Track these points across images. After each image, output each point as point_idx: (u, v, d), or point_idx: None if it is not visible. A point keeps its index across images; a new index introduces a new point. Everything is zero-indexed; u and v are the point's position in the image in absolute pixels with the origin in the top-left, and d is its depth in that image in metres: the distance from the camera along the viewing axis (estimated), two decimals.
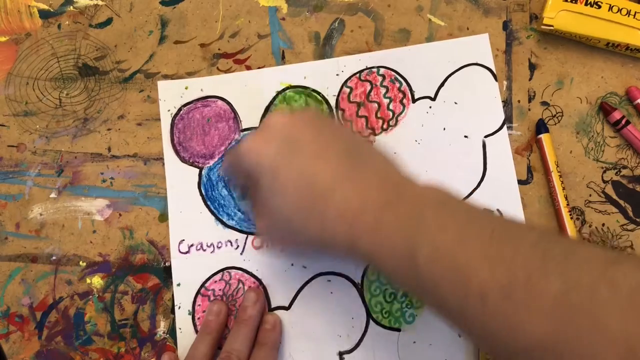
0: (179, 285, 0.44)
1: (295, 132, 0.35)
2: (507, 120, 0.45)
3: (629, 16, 0.44)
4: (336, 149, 0.35)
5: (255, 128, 0.46)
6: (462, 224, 0.30)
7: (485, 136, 0.45)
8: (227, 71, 0.47)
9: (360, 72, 0.47)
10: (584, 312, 0.24)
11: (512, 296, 0.26)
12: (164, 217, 0.45)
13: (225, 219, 0.45)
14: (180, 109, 0.47)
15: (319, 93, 0.46)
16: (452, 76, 0.46)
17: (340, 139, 0.36)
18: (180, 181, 0.46)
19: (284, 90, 0.47)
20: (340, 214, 0.33)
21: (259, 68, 0.47)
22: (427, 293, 0.30)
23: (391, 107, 0.46)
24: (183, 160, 0.46)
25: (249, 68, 0.47)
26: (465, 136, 0.45)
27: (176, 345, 0.44)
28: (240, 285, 0.44)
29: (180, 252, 0.45)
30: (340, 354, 0.42)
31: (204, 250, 0.45)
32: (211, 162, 0.46)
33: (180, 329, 0.44)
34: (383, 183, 0.33)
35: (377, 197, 0.32)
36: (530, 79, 0.46)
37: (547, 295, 0.25)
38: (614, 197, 0.44)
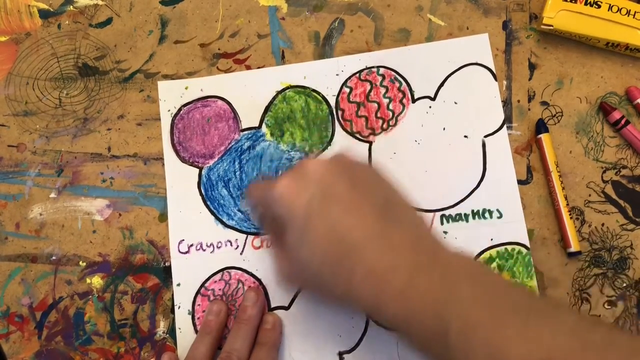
0: (178, 285, 0.44)
1: (330, 181, 0.34)
2: (507, 120, 0.45)
3: (628, 16, 0.44)
4: (371, 203, 0.34)
5: (255, 128, 0.46)
6: (497, 300, 0.29)
7: (485, 136, 0.45)
8: (227, 71, 0.47)
9: (360, 72, 0.47)
10: None
11: None
12: (163, 217, 0.45)
13: (225, 219, 0.45)
14: (180, 109, 0.47)
15: (318, 93, 0.46)
16: (452, 76, 0.46)
17: (375, 191, 0.35)
18: (180, 181, 0.46)
19: (283, 90, 0.47)
20: (369, 273, 0.32)
21: (258, 68, 0.47)
22: None
23: (391, 107, 0.46)
24: (183, 160, 0.46)
25: (248, 68, 0.47)
26: (465, 136, 0.45)
27: (176, 345, 0.44)
28: (240, 285, 0.44)
29: (180, 252, 0.45)
30: (340, 354, 0.42)
31: (204, 250, 0.45)
32: (211, 162, 0.46)
33: (180, 328, 0.44)
34: (415, 245, 0.32)
35: (409, 258, 0.32)
36: (530, 79, 0.46)
37: None
38: (614, 197, 0.44)
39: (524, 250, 0.43)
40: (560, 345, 0.26)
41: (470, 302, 0.29)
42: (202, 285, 0.44)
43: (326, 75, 0.47)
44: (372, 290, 0.32)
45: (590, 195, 0.44)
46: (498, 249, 0.43)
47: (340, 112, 0.46)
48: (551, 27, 0.45)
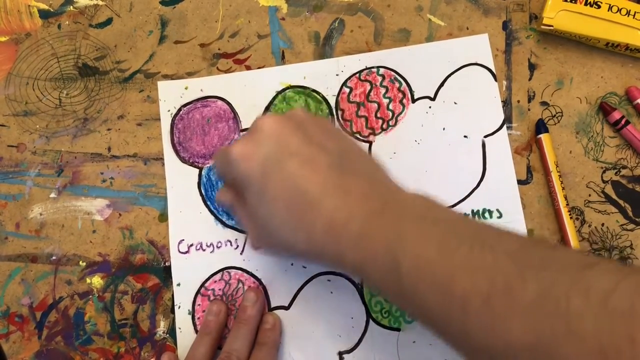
0: (178, 285, 0.44)
1: (285, 136, 0.35)
2: (507, 120, 0.45)
3: (628, 16, 0.44)
4: (326, 155, 0.34)
5: None
6: (443, 235, 0.30)
7: (485, 136, 0.45)
8: (227, 71, 0.48)
9: (360, 72, 0.47)
10: (558, 318, 0.25)
11: (491, 303, 0.27)
12: (163, 217, 0.45)
13: (225, 219, 0.45)
14: (180, 109, 0.47)
15: (318, 93, 0.46)
16: (452, 76, 0.46)
17: (330, 144, 0.35)
18: (180, 181, 0.46)
19: (283, 90, 0.47)
20: (328, 225, 0.32)
21: (258, 68, 0.47)
22: (411, 304, 0.31)
23: (391, 107, 0.46)
24: (183, 160, 0.46)
25: (248, 68, 0.47)
26: (465, 136, 0.45)
27: (176, 345, 0.44)
28: (240, 285, 0.44)
29: (180, 252, 0.45)
30: (340, 354, 0.43)
31: (204, 250, 0.45)
32: (211, 162, 0.46)
33: (180, 328, 0.44)
34: (370, 192, 0.33)
35: (363, 207, 0.32)
36: (530, 79, 0.46)
37: (524, 302, 0.26)
38: (614, 197, 0.44)
39: None
40: (500, 269, 0.27)
41: (418, 239, 0.30)
42: (202, 285, 0.44)
43: (326, 76, 0.47)
44: (332, 242, 0.32)
45: (590, 195, 0.44)
46: None
47: (340, 112, 0.46)
48: (551, 28, 0.45)
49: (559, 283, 0.26)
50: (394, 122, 0.46)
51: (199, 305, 0.44)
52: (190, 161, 0.46)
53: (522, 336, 0.26)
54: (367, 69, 0.47)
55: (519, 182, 0.44)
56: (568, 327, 0.25)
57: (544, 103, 0.46)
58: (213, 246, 0.45)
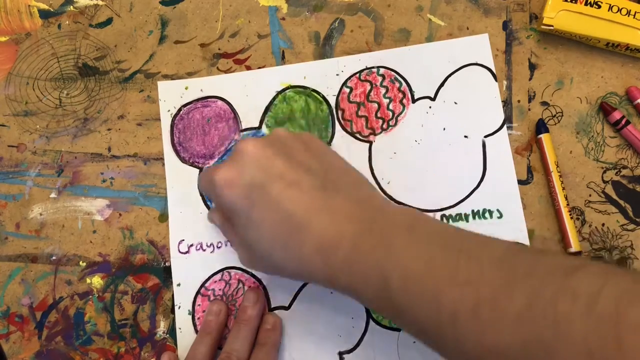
0: (179, 285, 0.44)
1: (267, 160, 0.35)
2: (507, 120, 0.45)
3: (629, 16, 0.44)
4: (310, 176, 0.34)
5: (255, 128, 0.46)
6: (430, 248, 0.30)
7: (485, 136, 0.45)
8: (227, 71, 0.47)
9: (360, 72, 0.47)
10: (546, 325, 0.25)
11: (480, 314, 0.27)
12: (164, 217, 0.45)
13: None
14: (180, 109, 0.47)
15: (319, 93, 0.46)
16: (452, 76, 0.46)
17: (313, 162, 0.35)
18: (180, 181, 0.46)
19: (284, 90, 0.47)
20: (316, 248, 0.33)
21: (259, 68, 0.47)
22: (404, 319, 0.31)
23: (391, 107, 0.46)
24: (183, 160, 0.46)
25: (249, 68, 0.47)
26: (465, 136, 0.45)
27: (176, 345, 0.44)
28: (240, 285, 0.44)
29: (180, 252, 0.45)
30: (340, 354, 0.42)
31: (204, 250, 0.45)
32: (211, 162, 0.46)
33: (180, 329, 0.44)
34: (356, 211, 0.33)
35: (351, 225, 0.32)
36: (530, 79, 0.46)
37: (512, 311, 0.27)
38: (614, 197, 0.44)
39: None
40: (487, 280, 0.28)
41: (405, 254, 0.30)
42: (202, 285, 0.44)
43: (326, 76, 0.47)
44: (322, 262, 0.33)
45: (590, 195, 0.44)
46: None
47: (340, 112, 0.46)
48: (551, 27, 0.45)
49: (545, 290, 0.26)
50: (394, 122, 0.46)
51: (199, 305, 0.44)
52: (191, 161, 0.46)
53: (511, 343, 0.26)
54: (367, 69, 0.47)
55: (519, 182, 0.44)
56: (556, 332, 0.25)
57: (544, 103, 0.46)
58: (213, 246, 0.45)
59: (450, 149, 0.45)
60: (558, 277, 0.27)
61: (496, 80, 0.46)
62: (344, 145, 0.45)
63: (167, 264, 0.45)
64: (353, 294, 0.33)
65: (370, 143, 0.46)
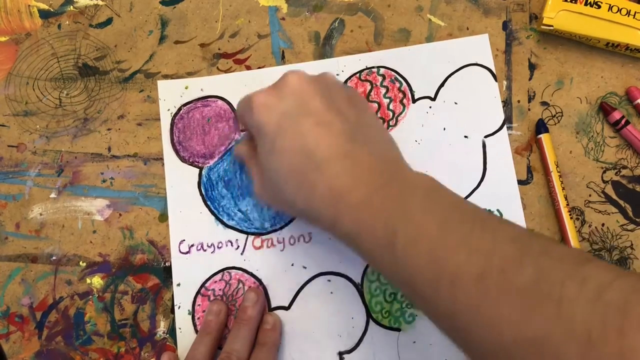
0: (179, 285, 0.44)
1: (308, 95, 0.35)
2: (507, 120, 0.45)
3: (629, 16, 0.44)
4: (342, 122, 0.35)
5: None
6: (446, 212, 0.30)
7: (485, 136, 0.45)
8: (227, 71, 0.48)
9: (360, 72, 0.47)
10: (551, 302, 0.25)
11: (485, 280, 0.27)
12: (164, 217, 0.45)
13: (225, 219, 0.45)
14: (180, 109, 0.47)
15: None
16: (452, 76, 0.46)
17: (349, 112, 0.36)
18: (180, 181, 0.46)
19: None
20: (329, 189, 0.33)
21: (259, 68, 0.47)
22: (401, 275, 0.31)
23: (391, 107, 0.46)
24: (183, 160, 0.46)
25: (249, 68, 0.47)
26: (465, 136, 0.45)
27: (176, 345, 0.44)
28: (240, 285, 0.44)
29: (180, 252, 0.45)
30: (340, 354, 0.42)
31: (204, 250, 0.45)
32: (211, 162, 0.46)
33: (180, 329, 0.44)
34: (377, 166, 0.33)
35: (369, 179, 0.33)
36: (530, 79, 0.46)
37: (518, 284, 0.26)
38: (614, 197, 0.44)
39: None
40: (498, 252, 0.28)
41: (419, 214, 0.30)
42: (203, 285, 0.44)
43: None
44: (330, 206, 0.33)
45: (590, 195, 0.44)
46: None
47: None
48: (551, 28, 0.45)
49: (556, 270, 0.26)
50: (394, 122, 0.46)
51: (199, 305, 0.44)
52: (190, 161, 0.46)
53: (509, 317, 0.26)
54: (367, 69, 0.47)
55: (519, 182, 0.44)
56: (558, 311, 0.25)
57: (544, 103, 0.46)
58: (214, 246, 0.45)
59: (450, 149, 0.45)
60: (570, 263, 0.26)
61: (496, 80, 0.46)
62: None
63: (167, 264, 0.45)
64: (353, 242, 0.33)
65: None
